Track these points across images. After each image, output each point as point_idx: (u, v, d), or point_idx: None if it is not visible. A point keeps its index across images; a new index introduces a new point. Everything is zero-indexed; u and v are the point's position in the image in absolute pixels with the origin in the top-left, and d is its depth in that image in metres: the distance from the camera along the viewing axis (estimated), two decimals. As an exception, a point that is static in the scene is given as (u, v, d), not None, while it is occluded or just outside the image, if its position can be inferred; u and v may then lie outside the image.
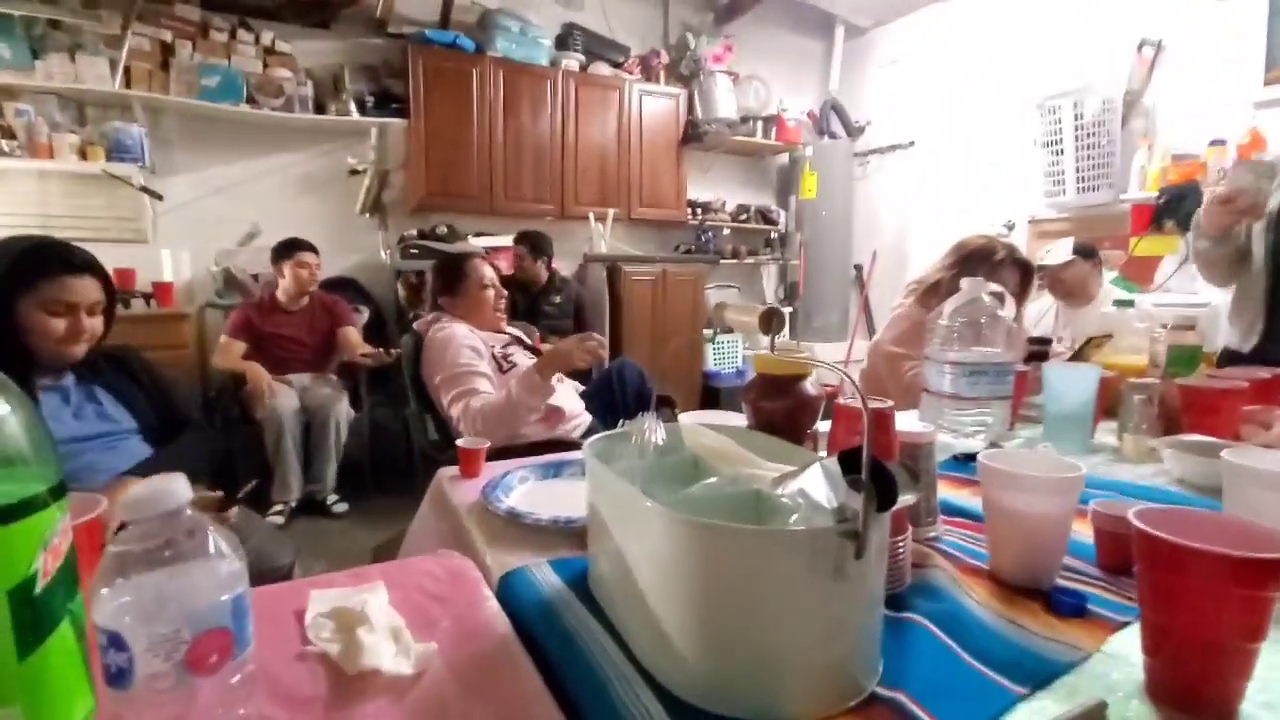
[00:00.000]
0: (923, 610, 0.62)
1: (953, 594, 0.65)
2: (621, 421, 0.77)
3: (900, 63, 4.44)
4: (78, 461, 1.18)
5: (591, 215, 3.91)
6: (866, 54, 4.71)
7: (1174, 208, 2.61)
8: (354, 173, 3.51)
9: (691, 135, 4.22)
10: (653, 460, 0.71)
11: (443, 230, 3.51)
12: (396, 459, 3.18)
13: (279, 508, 2.69)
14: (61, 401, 1.23)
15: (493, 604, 0.65)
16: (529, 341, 1.80)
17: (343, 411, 2.89)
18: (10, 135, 2.83)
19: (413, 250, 3.38)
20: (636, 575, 0.55)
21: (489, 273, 1.76)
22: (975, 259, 1.69)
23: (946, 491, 0.94)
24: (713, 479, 0.62)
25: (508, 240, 3.59)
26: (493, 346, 1.65)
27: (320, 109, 3.47)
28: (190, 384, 3.06)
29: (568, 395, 1.61)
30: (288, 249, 2.96)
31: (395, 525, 2.05)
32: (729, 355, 4.23)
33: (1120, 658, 0.56)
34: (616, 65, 4.10)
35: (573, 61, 3.90)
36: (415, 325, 1.72)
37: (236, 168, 3.44)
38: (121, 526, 0.41)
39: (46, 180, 2.92)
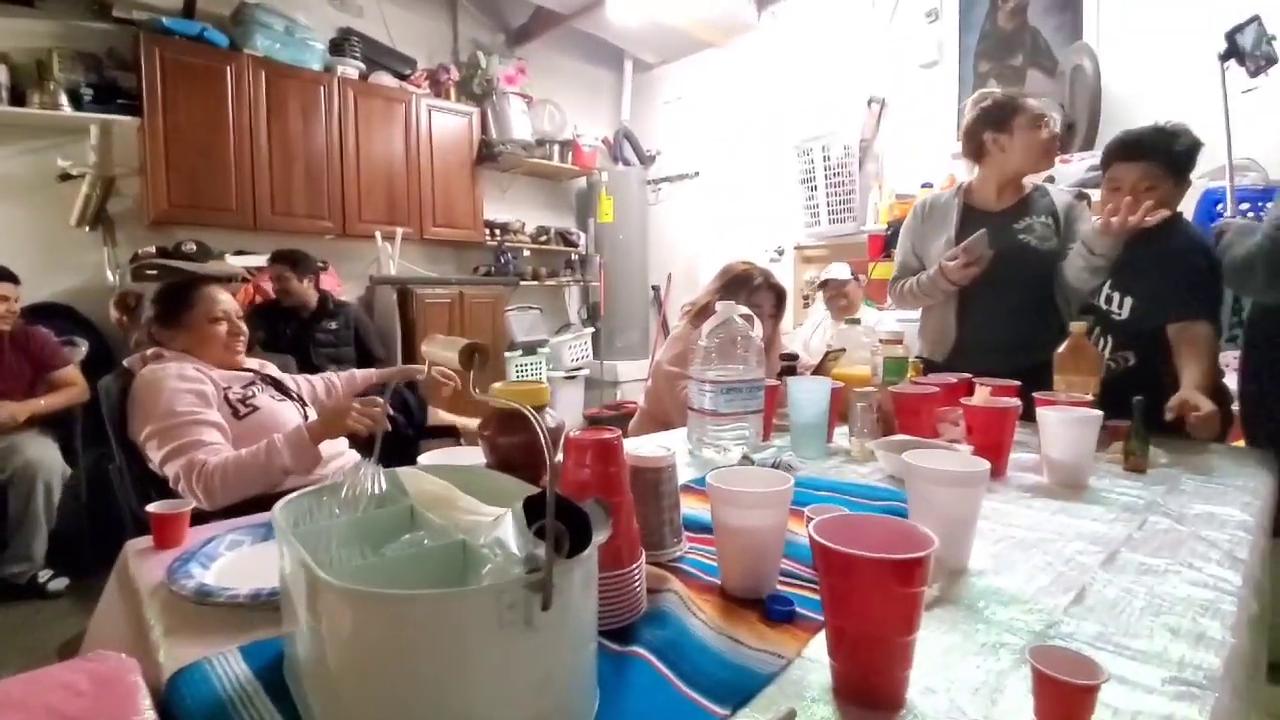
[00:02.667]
0: (647, 640, 0.62)
1: (680, 618, 0.65)
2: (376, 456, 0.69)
3: (684, 99, 4.78)
4: None
5: (379, 234, 3.66)
6: (654, 88, 5.00)
7: (898, 239, 3.09)
8: (66, 177, 2.92)
9: (486, 155, 4.13)
10: (367, 513, 0.64)
11: (190, 248, 3.03)
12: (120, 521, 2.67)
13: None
14: None
15: (148, 717, 0.53)
16: (278, 377, 1.57)
17: (54, 470, 2.36)
18: None
19: (150, 270, 2.88)
20: (322, 656, 0.48)
21: (225, 303, 1.50)
22: (737, 283, 1.85)
23: (701, 509, 0.97)
24: (416, 533, 0.56)
25: (276, 260, 3.22)
26: (227, 387, 1.41)
27: (19, 100, 2.85)
28: None
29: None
30: None
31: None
32: (533, 378, 4.17)
33: (816, 661, 0.59)
34: (402, 77, 3.90)
35: (351, 69, 3.63)
36: (126, 362, 1.43)
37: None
38: None
39: None
